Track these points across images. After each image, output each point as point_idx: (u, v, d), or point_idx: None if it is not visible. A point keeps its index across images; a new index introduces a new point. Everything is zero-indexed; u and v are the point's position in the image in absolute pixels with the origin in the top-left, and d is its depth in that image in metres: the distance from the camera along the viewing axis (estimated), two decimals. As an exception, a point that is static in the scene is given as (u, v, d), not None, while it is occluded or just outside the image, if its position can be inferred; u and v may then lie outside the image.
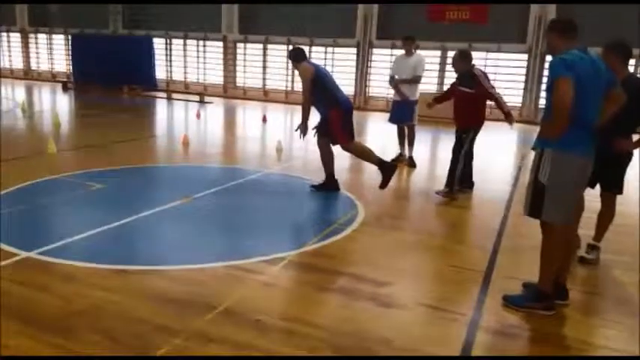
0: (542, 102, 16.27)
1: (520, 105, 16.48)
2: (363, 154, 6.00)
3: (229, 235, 4.51)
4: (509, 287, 3.48)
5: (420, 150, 8.13)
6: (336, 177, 6.03)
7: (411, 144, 7.78)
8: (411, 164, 7.67)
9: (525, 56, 16.17)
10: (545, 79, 16.03)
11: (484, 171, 7.99)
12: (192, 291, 3.25)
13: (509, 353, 2.82)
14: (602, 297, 3.65)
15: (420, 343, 2.82)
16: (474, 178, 6.34)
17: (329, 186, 5.98)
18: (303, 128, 5.78)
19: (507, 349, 2.85)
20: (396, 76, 7.65)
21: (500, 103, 6.03)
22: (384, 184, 5.81)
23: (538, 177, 3.11)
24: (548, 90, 3.05)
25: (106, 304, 3.04)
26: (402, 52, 7.77)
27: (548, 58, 15.41)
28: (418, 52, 7.75)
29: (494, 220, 5.13)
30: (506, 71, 16.62)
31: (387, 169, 5.84)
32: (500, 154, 9.97)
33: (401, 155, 7.81)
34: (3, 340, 2.62)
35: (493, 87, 6.04)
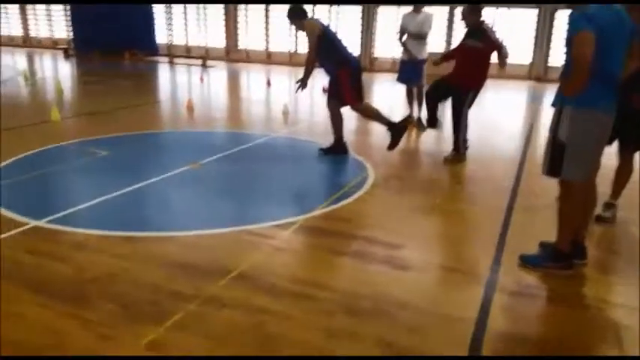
0: (552, 59, 15.91)
1: (530, 62, 16.13)
2: (372, 114, 5.88)
3: (239, 200, 4.45)
4: (525, 247, 3.41)
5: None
6: (344, 140, 5.93)
7: (420, 105, 7.60)
8: (420, 125, 7.53)
9: (535, 11, 15.71)
10: (555, 34, 15.63)
11: (494, 129, 7.87)
12: (205, 256, 3.21)
13: (527, 314, 2.79)
14: (619, 255, 3.58)
15: (437, 304, 2.78)
16: (483, 136, 6.21)
17: (338, 149, 5.88)
18: (303, 84, 5.60)
19: (525, 309, 2.81)
20: (405, 35, 7.42)
21: (503, 52, 5.73)
22: (392, 146, 5.71)
23: (557, 135, 3.00)
24: (568, 44, 2.90)
25: (118, 271, 3.01)
26: (409, 9, 7.51)
27: (565, 12, 14.93)
28: (426, 9, 7.50)
29: (507, 180, 5.04)
30: (515, 27, 16.18)
31: (397, 130, 5.72)
32: (509, 112, 9.79)
33: (409, 116, 7.64)
34: (16, 309, 2.60)
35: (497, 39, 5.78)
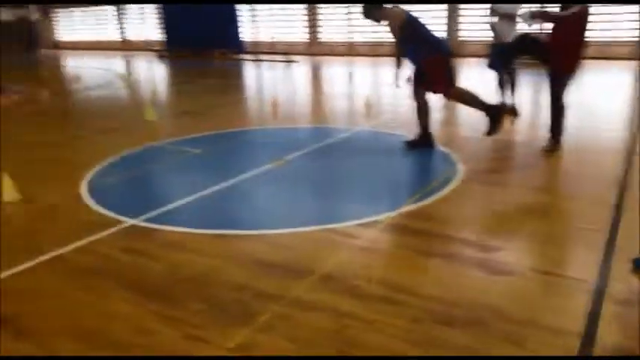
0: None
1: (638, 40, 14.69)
2: (469, 99, 5.47)
3: (322, 197, 4.42)
4: (636, 248, 3.08)
5: (521, 95, 7.38)
6: (430, 131, 5.69)
7: (512, 90, 7.11)
8: (513, 112, 7.07)
9: (643, -18, 14.24)
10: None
11: (594, 114, 7.25)
12: (290, 256, 3.21)
13: (644, 326, 2.49)
14: None
15: (537, 312, 2.56)
16: (584, 123, 5.70)
17: (424, 142, 5.64)
18: (397, 76, 5.43)
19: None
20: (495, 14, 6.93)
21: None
22: (492, 131, 5.33)
23: None
24: None
25: (209, 271, 3.08)
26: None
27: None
28: None
29: (614, 171, 4.59)
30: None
31: (496, 112, 5.34)
32: (612, 97, 8.95)
33: (503, 104, 7.21)
34: (110, 307, 2.73)
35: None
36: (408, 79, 5.49)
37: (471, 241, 3.34)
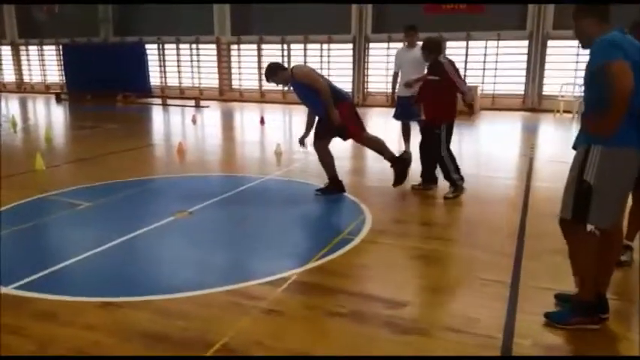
0: (547, 89, 15.85)
1: (523, 93, 16.08)
2: (378, 145, 5.69)
3: (226, 254, 4.14)
4: (541, 299, 3.12)
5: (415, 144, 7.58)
6: (339, 178, 5.70)
7: (409, 140, 7.46)
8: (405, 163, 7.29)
9: (526, 42, 15.74)
10: (547, 64, 15.60)
11: (489, 163, 7.64)
12: (187, 326, 2.87)
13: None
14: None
15: (448, 377, 2.44)
16: (480, 173, 5.97)
17: (334, 188, 5.65)
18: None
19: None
20: (400, 71, 7.29)
21: (464, 95, 5.59)
22: (398, 182, 5.61)
23: (583, 176, 2.69)
24: (592, 78, 2.65)
25: (87, 347, 2.68)
26: (400, 45, 7.44)
27: (551, 42, 14.94)
28: (420, 43, 7.35)
29: (512, 220, 4.76)
30: (507, 59, 16.21)
31: (402, 164, 5.60)
32: (504, 145, 9.56)
33: (406, 153, 7.41)
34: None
35: (460, 77, 5.60)
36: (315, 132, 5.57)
37: (380, 297, 3.21)
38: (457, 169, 5.61)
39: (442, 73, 5.45)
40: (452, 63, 5.60)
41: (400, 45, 7.54)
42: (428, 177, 5.91)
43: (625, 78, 2.49)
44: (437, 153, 5.58)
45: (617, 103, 2.50)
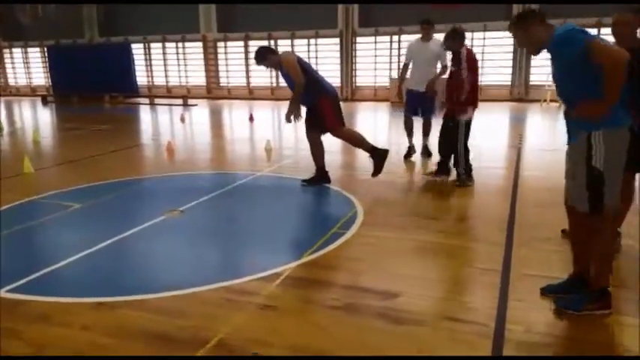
0: (534, 78, 15.95)
1: (510, 83, 16.19)
2: (355, 139, 5.80)
3: (218, 251, 4.15)
4: (532, 286, 3.16)
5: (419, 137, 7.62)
6: (326, 170, 5.79)
7: (426, 134, 7.32)
8: (426, 153, 7.34)
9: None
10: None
11: (479, 154, 7.67)
12: (181, 323, 2.88)
13: (543, 368, 2.50)
14: (629, 289, 3.30)
15: (442, 364, 2.48)
16: (475, 164, 6.02)
17: (320, 179, 5.75)
18: (297, 112, 5.50)
19: (540, 363, 2.52)
20: (411, 64, 7.11)
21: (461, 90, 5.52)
22: (376, 172, 5.69)
23: (592, 165, 2.71)
24: (573, 67, 2.68)
25: (83, 347, 2.68)
26: (399, 37, 7.47)
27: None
28: (436, 37, 6.96)
29: (503, 209, 4.81)
30: (493, 50, 16.30)
31: (379, 155, 5.68)
32: (493, 136, 9.63)
33: (410, 148, 7.35)
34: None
35: (471, 71, 5.52)
36: (305, 122, 5.60)
37: (374, 289, 3.24)
38: (467, 165, 5.75)
39: (459, 63, 5.49)
40: (470, 54, 5.59)
41: (409, 38, 7.43)
42: (442, 167, 5.97)
43: (612, 47, 2.57)
44: (451, 144, 5.69)
45: (611, 82, 2.55)
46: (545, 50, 2.80)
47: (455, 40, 5.57)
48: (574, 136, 2.85)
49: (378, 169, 5.71)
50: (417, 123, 7.34)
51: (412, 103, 7.16)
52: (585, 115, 2.73)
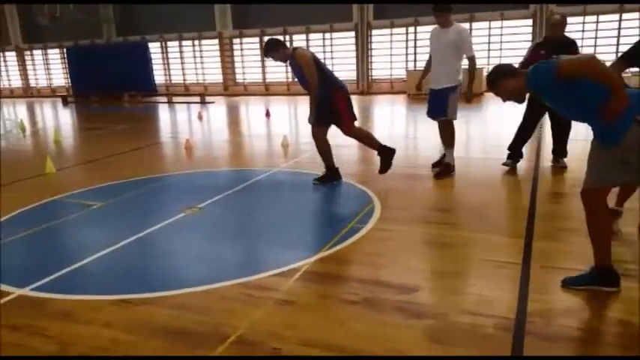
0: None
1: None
2: (366, 137, 5.80)
3: (237, 247, 4.18)
4: (553, 278, 3.12)
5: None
6: (336, 167, 5.77)
7: (446, 144, 5.87)
8: (442, 171, 5.85)
9: (530, 21, 15.58)
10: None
11: (498, 145, 7.58)
12: (201, 319, 2.92)
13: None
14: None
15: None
16: (488, 153, 5.95)
17: (332, 177, 5.72)
18: (318, 113, 5.47)
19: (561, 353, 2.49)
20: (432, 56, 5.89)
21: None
22: (383, 170, 5.67)
23: None
24: (562, 91, 2.82)
25: (107, 345, 2.73)
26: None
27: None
28: (457, 24, 5.79)
29: (522, 201, 4.75)
30: (511, 39, 16.06)
31: (386, 153, 5.66)
32: (512, 126, 9.46)
33: (442, 158, 6.07)
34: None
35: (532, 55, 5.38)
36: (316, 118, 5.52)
37: (392, 283, 3.23)
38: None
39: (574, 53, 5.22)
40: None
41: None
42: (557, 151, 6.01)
43: (594, 63, 2.71)
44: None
45: (594, 68, 2.69)
46: (531, 93, 3.06)
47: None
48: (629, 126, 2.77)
49: (385, 167, 5.69)
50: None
51: (428, 102, 5.99)
52: (614, 114, 2.70)
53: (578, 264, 3.24)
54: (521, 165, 6.18)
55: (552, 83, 2.80)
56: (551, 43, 5.49)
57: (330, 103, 5.45)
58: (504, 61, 16.07)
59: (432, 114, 5.93)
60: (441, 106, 5.73)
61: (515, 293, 3.03)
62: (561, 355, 2.23)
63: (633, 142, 2.70)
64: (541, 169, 6.04)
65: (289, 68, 5.89)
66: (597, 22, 15.04)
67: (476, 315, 2.83)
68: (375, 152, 5.81)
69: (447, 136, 5.84)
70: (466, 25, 16.22)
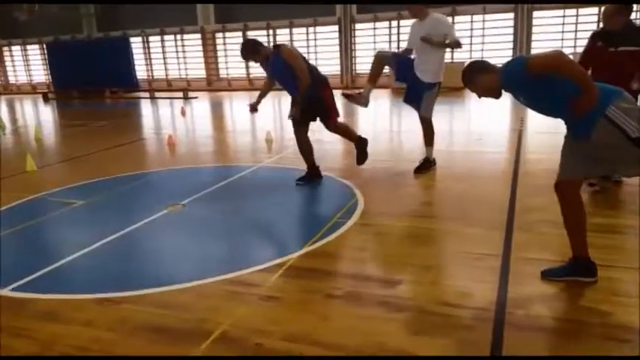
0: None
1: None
2: (350, 131, 5.83)
3: (220, 243, 4.17)
4: (532, 270, 3.17)
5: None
6: (317, 165, 5.72)
7: (426, 141, 5.89)
8: (422, 165, 5.87)
9: (512, 15, 15.70)
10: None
11: (482, 140, 7.66)
12: (184, 316, 2.92)
13: (542, 351, 2.51)
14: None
15: (446, 352, 2.49)
16: (470, 147, 6.00)
17: (314, 176, 5.68)
18: (298, 110, 5.36)
19: (539, 346, 2.54)
20: (414, 49, 5.72)
21: None
22: (361, 160, 5.71)
23: (631, 136, 2.68)
24: (533, 86, 2.86)
25: (89, 344, 2.71)
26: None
27: (537, 13, 14.99)
28: (436, 15, 5.63)
29: (503, 194, 4.82)
30: (494, 32, 16.18)
31: (362, 143, 5.70)
32: (494, 120, 9.58)
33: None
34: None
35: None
36: (303, 115, 5.42)
37: (374, 277, 3.27)
38: None
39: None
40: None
41: (408, 23, 6.48)
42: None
43: (568, 61, 2.77)
44: None
45: (584, 80, 2.75)
46: (504, 90, 3.03)
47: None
48: (586, 129, 2.81)
49: (363, 157, 5.72)
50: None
51: (407, 86, 5.94)
52: (586, 108, 2.75)
53: (557, 255, 3.30)
54: (503, 157, 6.25)
55: (522, 80, 2.84)
56: (610, 35, 4.63)
57: (318, 98, 5.38)
58: (486, 55, 16.21)
59: (407, 99, 5.93)
60: (416, 97, 5.74)
61: (495, 285, 3.08)
62: (561, 355, 2.26)
63: (603, 136, 2.75)
64: (522, 162, 6.11)
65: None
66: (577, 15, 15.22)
67: (456, 307, 2.88)
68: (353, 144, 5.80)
69: (427, 134, 5.85)
70: (448, 19, 16.36)
